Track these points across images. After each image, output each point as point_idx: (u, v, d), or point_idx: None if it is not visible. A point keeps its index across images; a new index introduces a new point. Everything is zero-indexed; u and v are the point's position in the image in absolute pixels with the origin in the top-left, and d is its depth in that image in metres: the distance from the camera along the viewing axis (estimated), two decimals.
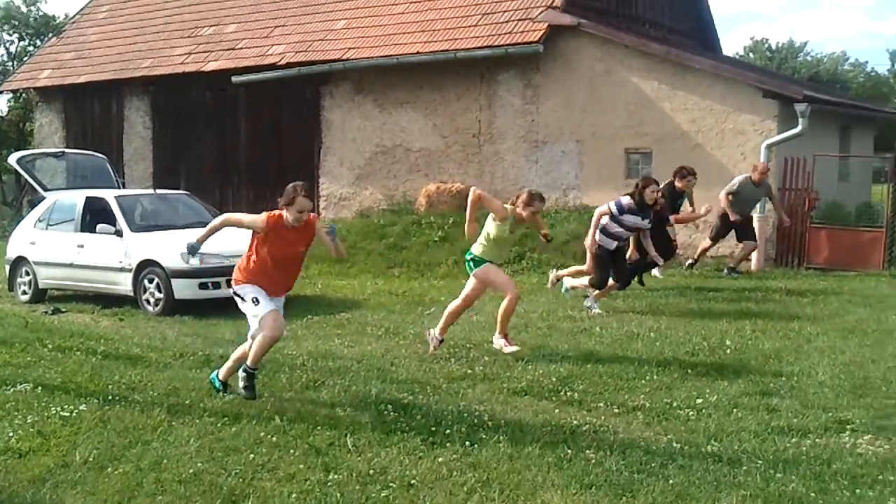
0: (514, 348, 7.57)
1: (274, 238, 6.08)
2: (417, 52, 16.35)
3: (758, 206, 13.02)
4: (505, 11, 16.18)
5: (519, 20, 15.75)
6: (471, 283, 7.70)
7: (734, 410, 5.76)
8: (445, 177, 16.40)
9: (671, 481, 4.53)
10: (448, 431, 5.32)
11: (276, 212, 6.14)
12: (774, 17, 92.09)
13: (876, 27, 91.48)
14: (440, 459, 4.89)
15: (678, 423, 5.54)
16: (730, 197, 12.01)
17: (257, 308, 6.05)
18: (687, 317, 9.19)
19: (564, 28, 15.30)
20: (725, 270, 12.69)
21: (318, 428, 5.44)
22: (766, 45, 53.70)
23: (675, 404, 5.92)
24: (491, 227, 7.54)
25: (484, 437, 5.23)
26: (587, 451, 4.95)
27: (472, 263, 7.65)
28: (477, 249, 7.65)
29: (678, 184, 11.20)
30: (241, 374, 6.13)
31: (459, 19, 16.64)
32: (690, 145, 14.08)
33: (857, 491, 4.43)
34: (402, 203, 16.83)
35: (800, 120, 13.31)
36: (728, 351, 7.48)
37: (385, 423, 5.51)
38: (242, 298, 6.15)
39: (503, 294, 7.69)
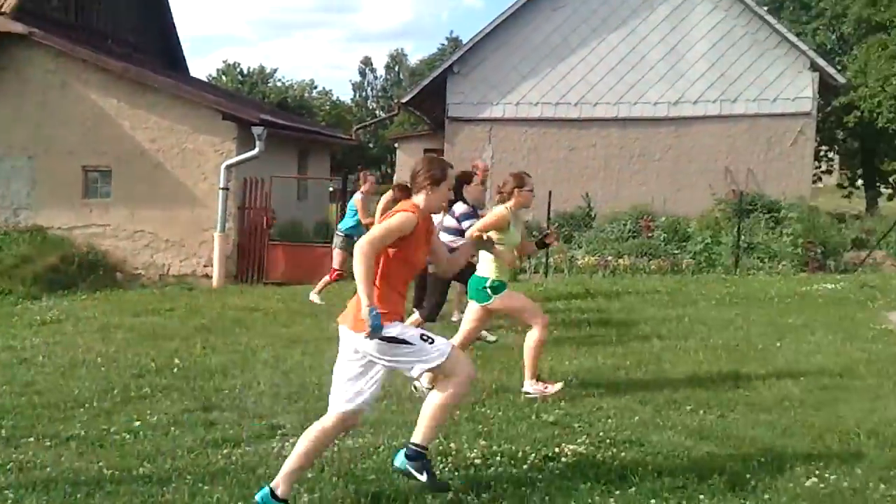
0: (558, 386, 6.31)
1: (415, 240, 4.12)
2: None
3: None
4: None
5: None
6: (476, 315, 6.41)
7: (172, 429, 5.79)
8: None
9: None
10: None
11: (410, 201, 4.19)
12: (252, 42, 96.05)
13: (343, 59, 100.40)
14: None
15: (113, 450, 5.41)
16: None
17: (435, 346, 4.11)
18: (144, 338, 9.06)
19: (15, 36, 14.23)
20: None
21: None
22: (239, 70, 55.63)
23: (112, 430, 5.77)
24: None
25: None
26: (6, 492, 4.60)
27: (489, 291, 6.22)
28: (489, 271, 6.25)
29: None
30: (407, 461, 4.28)
31: None
32: (152, 163, 14.01)
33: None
34: None
35: (256, 142, 14.03)
36: (176, 370, 7.53)
37: None
38: (403, 342, 4.06)
39: (531, 324, 6.39)
